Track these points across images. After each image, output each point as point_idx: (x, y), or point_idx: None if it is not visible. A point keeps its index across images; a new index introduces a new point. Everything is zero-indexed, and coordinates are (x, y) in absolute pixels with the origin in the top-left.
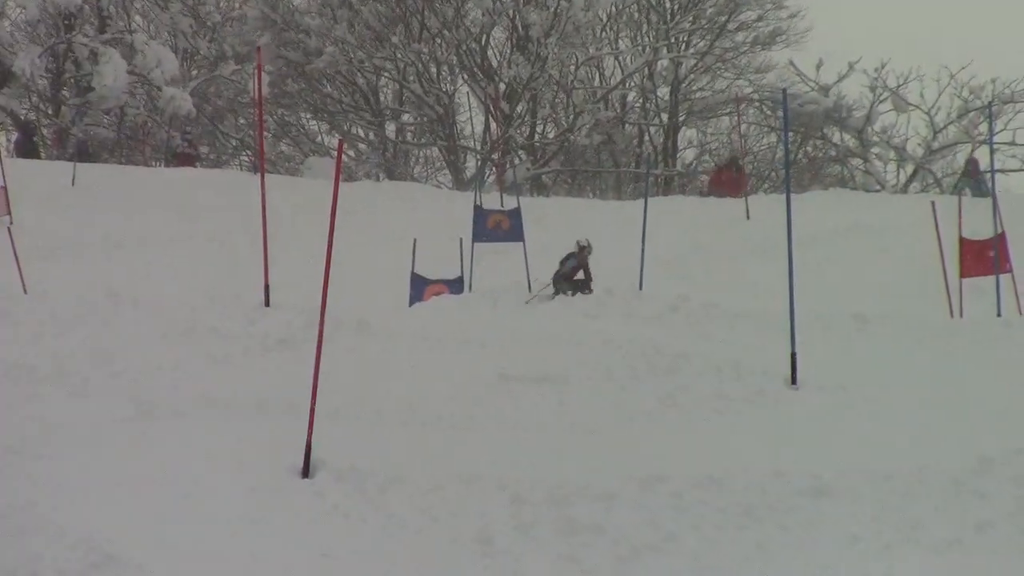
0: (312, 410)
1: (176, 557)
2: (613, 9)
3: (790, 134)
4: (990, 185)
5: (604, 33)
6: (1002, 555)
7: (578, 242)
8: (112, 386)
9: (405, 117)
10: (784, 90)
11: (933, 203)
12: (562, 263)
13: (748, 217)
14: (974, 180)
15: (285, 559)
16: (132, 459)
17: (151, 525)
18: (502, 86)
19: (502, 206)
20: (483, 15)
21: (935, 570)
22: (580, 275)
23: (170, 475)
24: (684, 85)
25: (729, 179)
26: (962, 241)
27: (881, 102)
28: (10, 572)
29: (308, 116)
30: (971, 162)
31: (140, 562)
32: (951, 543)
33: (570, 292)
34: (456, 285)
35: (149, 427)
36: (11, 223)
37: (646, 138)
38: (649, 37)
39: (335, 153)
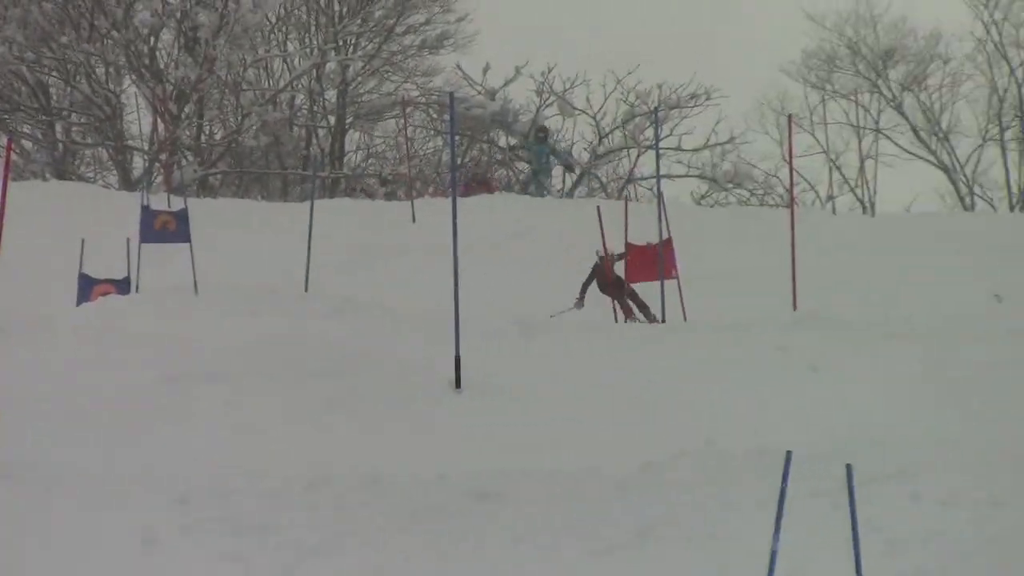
0: None
1: None
2: (282, 11)
3: (457, 138)
4: (656, 190)
5: (273, 35)
6: (663, 558)
7: (597, 252)
8: None
9: (73, 117)
10: (451, 94)
11: (598, 208)
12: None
13: (414, 220)
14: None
15: None
16: None
17: None
18: (170, 87)
19: (169, 207)
20: (152, 16)
21: (597, 571)
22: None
23: None
24: (352, 88)
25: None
26: (628, 247)
27: (547, 106)
28: None
29: None
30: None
31: None
32: (612, 547)
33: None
34: (123, 285)
35: None
36: None
37: (314, 140)
38: (317, 39)
39: (4, 151)
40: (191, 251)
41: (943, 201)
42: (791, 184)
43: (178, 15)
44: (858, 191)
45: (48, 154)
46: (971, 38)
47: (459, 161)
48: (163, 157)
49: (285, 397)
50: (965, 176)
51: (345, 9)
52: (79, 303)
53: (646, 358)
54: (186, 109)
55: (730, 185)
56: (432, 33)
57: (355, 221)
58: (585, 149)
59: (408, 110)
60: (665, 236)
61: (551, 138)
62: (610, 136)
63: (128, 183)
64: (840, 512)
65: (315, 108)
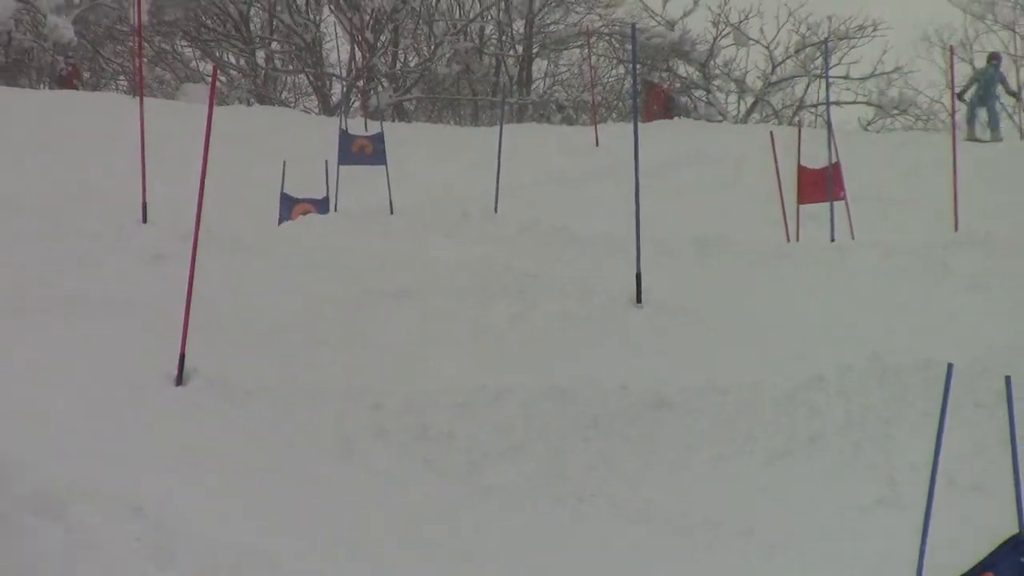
0: (186, 320)
1: (53, 456)
2: None
3: (638, 67)
4: (826, 116)
5: None
6: (830, 465)
7: None
8: None
9: (274, 45)
10: (633, 25)
11: (772, 133)
12: None
13: (597, 144)
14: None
15: (155, 457)
16: (4, 358)
17: (29, 425)
18: (366, 16)
19: (366, 131)
20: None
21: (765, 480)
22: None
23: (44, 375)
24: (538, 18)
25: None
26: (800, 169)
27: (723, 37)
28: None
29: (184, 44)
30: (993, 55)
31: (19, 461)
32: (783, 454)
33: None
34: (322, 205)
35: (19, 325)
36: None
37: (502, 68)
38: None
39: (210, 78)
40: (387, 173)
41: None
42: (952, 111)
43: None
44: (1016, 118)
45: (251, 81)
46: None
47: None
48: (360, 83)
49: (473, 314)
50: None
51: None
52: (280, 221)
53: (814, 276)
54: (382, 38)
55: (896, 112)
56: None
57: (541, 145)
58: (758, 77)
59: (592, 40)
60: (834, 160)
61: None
62: (782, 65)
63: (327, 108)
64: (998, 422)
65: (503, 38)
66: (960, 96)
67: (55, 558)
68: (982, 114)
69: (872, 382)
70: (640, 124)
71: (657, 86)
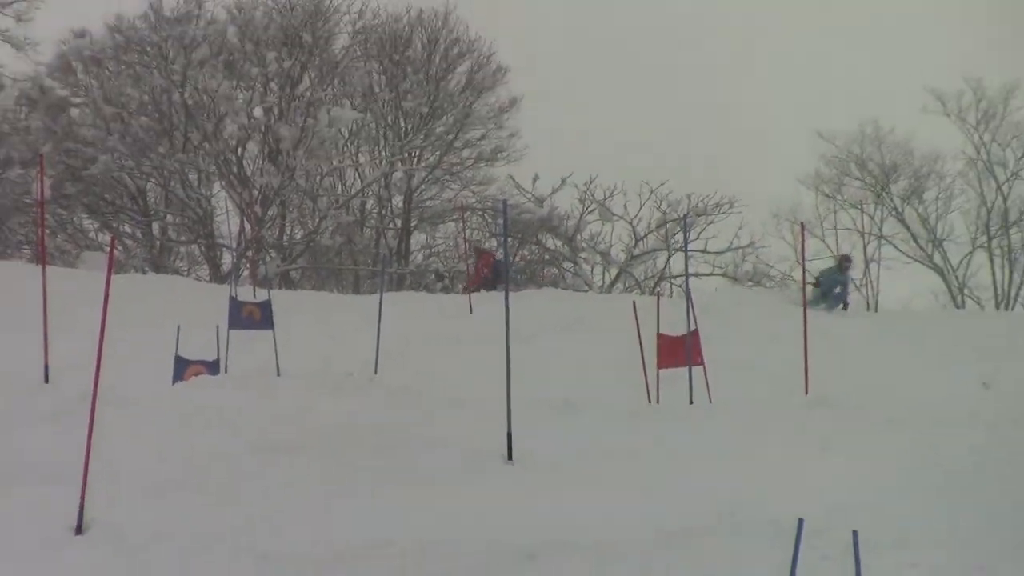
0: (85, 473)
1: None
2: (354, 127)
3: (509, 240)
4: (685, 287)
5: (346, 147)
6: None
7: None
8: None
9: (169, 218)
10: (504, 201)
11: (634, 302)
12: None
13: (471, 311)
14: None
15: None
16: None
17: None
18: (255, 192)
19: (255, 298)
20: (239, 129)
21: None
22: None
23: None
24: (416, 194)
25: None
26: (660, 336)
27: (589, 212)
28: None
29: (84, 215)
30: (844, 259)
31: None
32: None
33: None
34: (213, 367)
35: None
36: None
37: (382, 240)
38: (386, 152)
39: (108, 248)
40: (274, 337)
41: (937, 300)
42: (803, 283)
43: (262, 128)
44: (863, 290)
45: (147, 250)
46: (964, 156)
47: (511, 260)
48: (249, 254)
49: (353, 469)
50: (957, 278)
51: (410, 126)
52: (175, 381)
53: (675, 435)
54: (270, 211)
55: (750, 283)
56: (487, 147)
57: (419, 311)
58: (622, 250)
59: (466, 214)
60: (693, 327)
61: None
62: (645, 239)
63: (218, 276)
64: (847, 572)
65: (383, 212)
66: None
67: None
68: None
69: (724, 539)
70: (511, 293)
71: (486, 252)
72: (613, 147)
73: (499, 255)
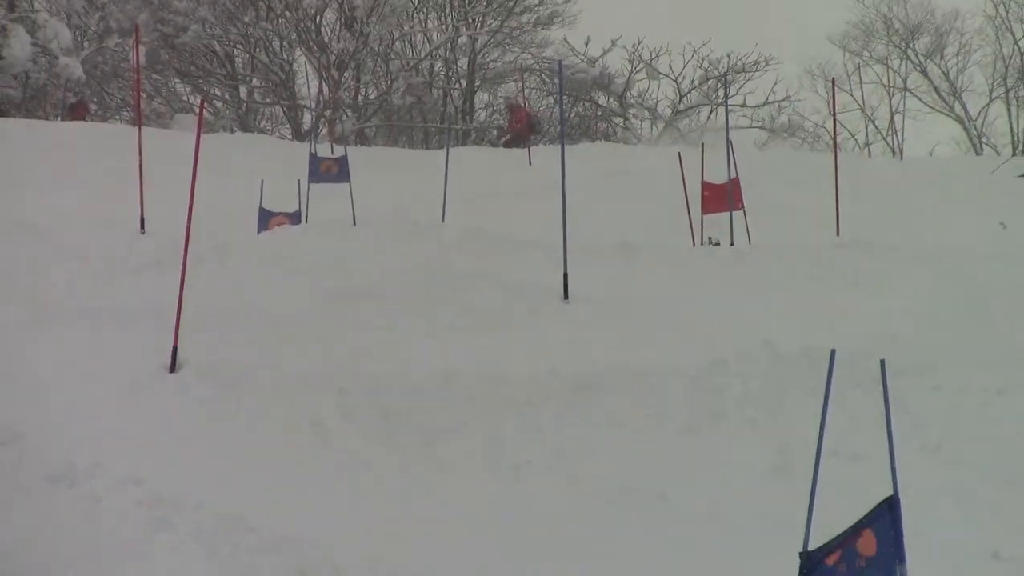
0: (178, 316)
1: (66, 436)
2: None
3: (564, 98)
4: (726, 139)
5: (416, 14)
6: (731, 437)
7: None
8: (11, 297)
9: (254, 81)
10: (559, 61)
11: (679, 153)
12: None
13: (530, 163)
14: None
15: (152, 436)
16: (29, 357)
17: (47, 411)
18: (332, 56)
19: (332, 154)
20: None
21: (677, 450)
22: None
23: (60, 371)
24: (479, 57)
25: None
26: (704, 184)
27: (637, 71)
28: None
29: (177, 80)
30: None
31: (38, 441)
32: (690, 428)
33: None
34: (295, 217)
35: (42, 331)
36: None
37: (449, 100)
38: (451, 17)
39: (198, 110)
40: (350, 190)
41: (959, 147)
42: (834, 134)
43: None
44: (889, 139)
45: (234, 111)
46: (983, 14)
47: (567, 116)
48: (327, 113)
49: (425, 311)
50: (976, 127)
51: None
52: (259, 231)
53: (718, 275)
54: (345, 74)
55: (786, 135)
56: (544, 12)
57: (482, 164)
58: (668, 106)
59: (525, 75)
60: (733, 175)
61: None
62: (688, 95)
63: (299, 135)
64: (874, 399)
65: (450, 73)
66: None
67: (68, 522)
68: None
69: (765, 366)
70: (567, 146)
71: (519, 108)
72: (658, 9)
73: (533, 110)
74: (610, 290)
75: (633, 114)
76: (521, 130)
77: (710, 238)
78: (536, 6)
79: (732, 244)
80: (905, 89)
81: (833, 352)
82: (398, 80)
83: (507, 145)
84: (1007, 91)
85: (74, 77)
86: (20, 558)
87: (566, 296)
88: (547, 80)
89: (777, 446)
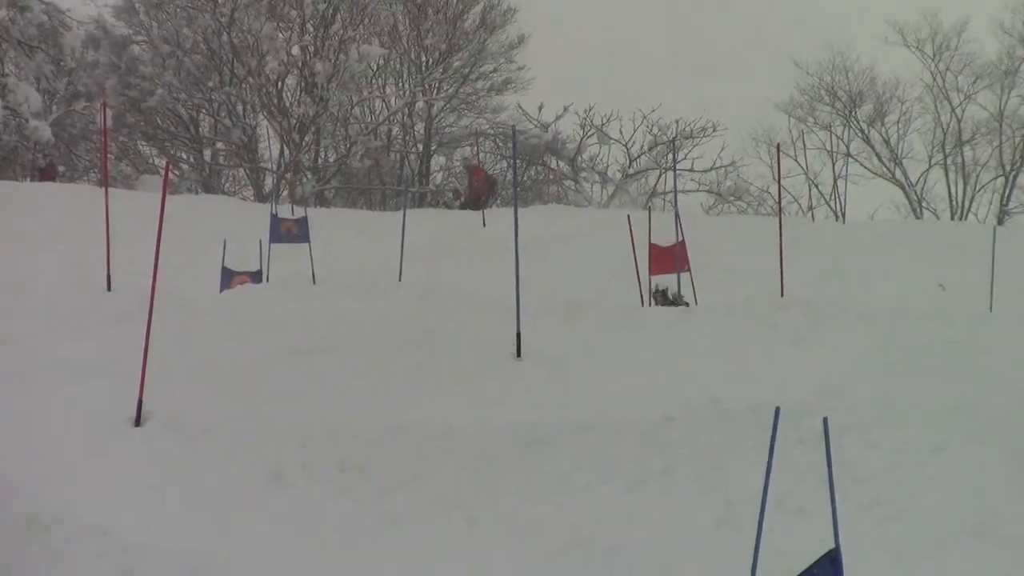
0: (143, 371)
1: (30, 487)
2: (381, 61)
3: (518, 161)
4: (674, 202)
5: (374, 80)
6: (679, 492)
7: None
8: None
9: (218, 144)
10: (513, 127)
11: (628, 216)
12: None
13: (484, 224)
14: None
15: (116, 488)
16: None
17: (11, 461)
18: (294, 120)
19: (293, 215)
20: (279, 65)
21: (626, 504)
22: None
23: (29, 423)
24: (436, 121)
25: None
26: (651, 246)
27: (589, 136)
28: None
29: (143, 142)
30: None
31: (4, 490)
32: (640, 482)
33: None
34: (257, 276)
35: (12, 386)
36: None
37: (406, 163)
38: (409, 84)
39: (163, 171)
40: (310, 250)
41: (899, 211)
42: (779, 198)
43: (300, 64)
44: (832, 204)
45: (198, 173)
46: (921, 83)
47: (520, 179)
48: (288, 175)
49: (381, 365)
50: (916, 192)
51: (431, 60)
52: (222, 289)
53: (665, 334)
54: (306, 138)
55: (731, 198)
56: (498, 79)
57: (438, 225)
58: (618, 170)
59: (480, 139)
60: (680, 238)
61: None
62: (638, 160)
63: (261, 196)
64: (817, 455)
65: (407, 137)
66: None
67: (33, 572)
68: None
69: (712, 422)
70: (520, 208)
71: (479, 168)
72: (609, 79)
73: (489, 171)
74: (562, 348)
75: (584, 177)
76: (481, 188)
77: (656, 285)
78: (491, 72)
79: (677, 303)
80: (848, 155)
81: (778, 410)
82: (357, 144)
83: (463, 207)
84: (945, 157)
85: (43, 139)
86: None
87: (519, 353)
88: (501, 144)
89: (723, 499)
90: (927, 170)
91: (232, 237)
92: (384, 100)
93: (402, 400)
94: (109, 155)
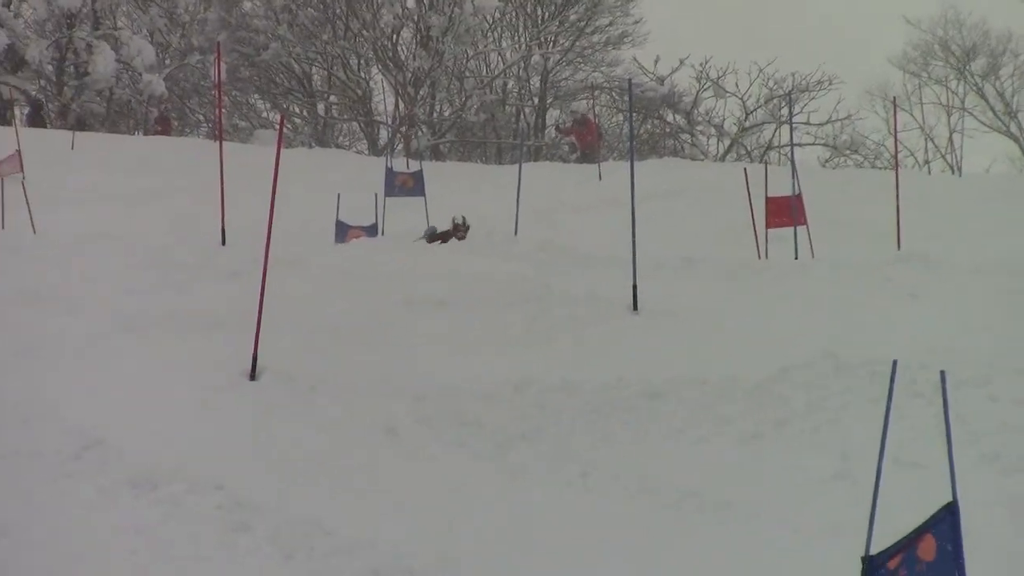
0: (258, 325)
1: (147, 441)
2: (497, 14)
3: (634, 115)
4: (790, 156)
5: (490, 33)
6: (794, 445)
7: (453, 219)
8: (98, 306)
9: (332, 98)
10: (629, 80)
11: (745, 169)
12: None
13: (600, 178)
14: None
15: (232, 442)
16: (114, 363)
17: (129, 416)
18: (409, 74)
19: (408, 168)
20: (394, 18)
21: (739, 458)
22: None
23: (143, 376)
24: (551, 75)
25: (579, 133)
26: (768, 199)
27: (704, 90)
28: (16, 451)
29: (256, 97)
30: None
31: (120, 445)
32: (754, 436)
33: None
34: (371, 230)
35: (127, 338)
36: (24, 178)
37: (521, 116)
38: (524, 37)
39: (278, 126)
40: (425, 203)
41: (1014, 164)
42: (896, 152)
43: (415, 17)
44: (948, 158)
45: (312, 127)
46: None
47: (635, 133)
48: (403, 129)
49: (496, 319)
50: None
51: (546, 13)
52: (336, 243)
53: (782, 286)
54: (421, 91)
55: (847, 152)
56: (615, 32)
57: (553, 179)
58: (734, 124)
59: (596, 93)
60: (797, 191)
61: None
62: (754, 113)
63: (375, 150)
64: (934, 408)
65: (522, 91)
66: None
67: (148, 524)
68: None
69: (828, 376)
70: (636, 162)
71: (589, 121)
72: (726, 30)
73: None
74: (678, 302)
75: (700, 131)
76: (591, 142)
77: (453, 218)
78: (607, 26)
79: (796, 258)
80: (963, 109)
81: (895, 363)
82: (472, 97)
83: (579, 161)
84: None
85: (157, 93)
86: (102, 560)
87: (635, 307)
88: (617, 98)
89: (839, 453)
90: None
91: (347, 191)
92: (500, 53)
93: (518, 354)
94: (223, 109)
